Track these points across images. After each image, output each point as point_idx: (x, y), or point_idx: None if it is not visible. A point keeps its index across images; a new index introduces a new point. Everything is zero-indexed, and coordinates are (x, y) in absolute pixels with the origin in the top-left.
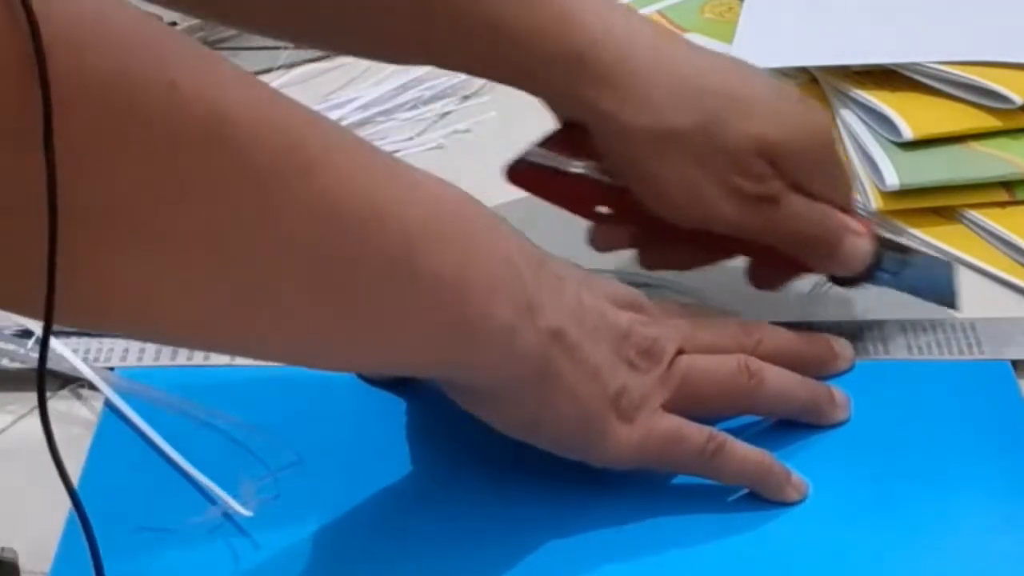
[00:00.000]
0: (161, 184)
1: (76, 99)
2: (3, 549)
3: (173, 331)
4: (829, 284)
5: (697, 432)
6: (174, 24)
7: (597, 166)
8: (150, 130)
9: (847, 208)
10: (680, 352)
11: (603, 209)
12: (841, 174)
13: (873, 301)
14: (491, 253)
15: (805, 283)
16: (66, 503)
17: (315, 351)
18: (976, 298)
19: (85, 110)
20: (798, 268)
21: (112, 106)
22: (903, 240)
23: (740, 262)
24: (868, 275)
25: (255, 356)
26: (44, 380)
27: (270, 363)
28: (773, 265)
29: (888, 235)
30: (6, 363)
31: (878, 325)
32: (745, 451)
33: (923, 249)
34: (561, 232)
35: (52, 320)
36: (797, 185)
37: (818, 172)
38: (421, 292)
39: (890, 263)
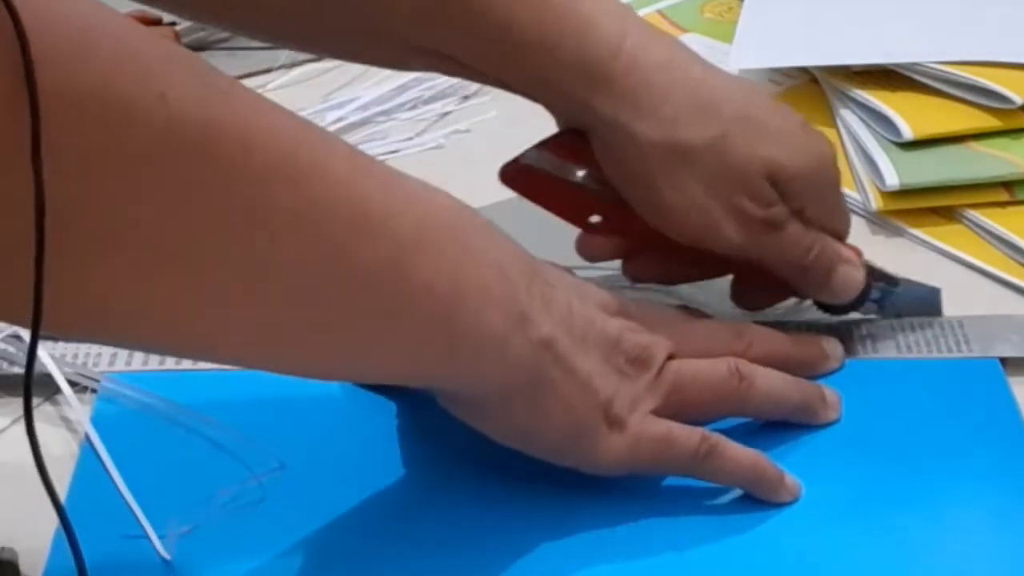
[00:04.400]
0: (149, 195)
1: (64, 113)
2: (3, 549)
3: (163, 340)
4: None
5: (689, 434)
6: (173, 24)
7: (596, 175)
8: (139, 143)
9: (842, 236)
10: (670, 357)
11: (595, 218)
12: (841, 203)
13: None
14: (484, 263)
15: None
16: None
17: (303, 360)
18: (965, 296)
19: (74, 124)
20: (787, 292)
21: (101, 119)
22: (889, 269)
23: None
24: (856, 304)
25: (245, 366)
26: (30, 391)
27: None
28: (762, 287)
29: (875, 264)
30: (5, 367)
31: (867, 324)
32: (738, 452)
33: (910, 277)
34: (554, 234)
35: (38, 331)
36: (798, 211)
37: (821, 200)
38: (411, 302)
39: (877, 292)
